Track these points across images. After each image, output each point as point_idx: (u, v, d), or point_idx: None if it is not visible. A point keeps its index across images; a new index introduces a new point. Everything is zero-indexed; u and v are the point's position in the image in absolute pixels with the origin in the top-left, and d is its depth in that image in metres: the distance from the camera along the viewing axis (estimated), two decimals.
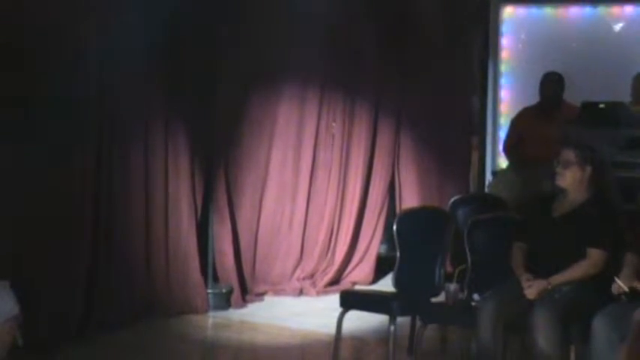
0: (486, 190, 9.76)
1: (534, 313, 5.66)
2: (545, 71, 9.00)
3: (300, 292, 9.35)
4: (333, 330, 6.73)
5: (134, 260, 8.10)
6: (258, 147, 9.23)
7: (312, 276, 9.51)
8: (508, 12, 10.48)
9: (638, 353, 5.29)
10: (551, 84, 8.85)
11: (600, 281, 5.74)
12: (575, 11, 10.26)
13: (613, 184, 6.19)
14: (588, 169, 6.00)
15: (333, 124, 9.68)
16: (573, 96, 8.83)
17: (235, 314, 8.56)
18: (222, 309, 8.60)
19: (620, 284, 5.56)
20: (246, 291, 9.00)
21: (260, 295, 9.13)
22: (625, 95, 8.79)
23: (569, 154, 6.04)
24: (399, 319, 6.45)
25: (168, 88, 8.32)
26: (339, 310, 6.70)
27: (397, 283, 6.80)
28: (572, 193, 6.04)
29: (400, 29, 9.92)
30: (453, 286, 6.32)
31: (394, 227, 6.92)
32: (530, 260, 6.00)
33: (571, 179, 6.02)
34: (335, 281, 9.58)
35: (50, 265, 7.27)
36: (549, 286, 5.80)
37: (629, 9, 10.11)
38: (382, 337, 7.12)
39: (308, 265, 9.53)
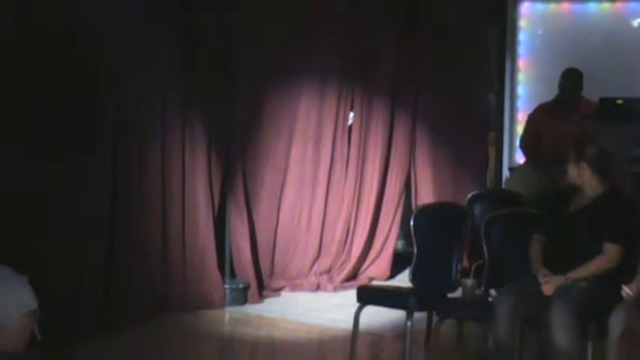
0: (503, 186, 9.76)
1: (551, 309, 5.65)
2: (562, 67, 8.98)
3: (317, 288, 9.36)
4: (350, 325, 6.73)
5: (151, 255, 8.12)
6: (276, 142, 9.24)
7: (329, 271, 9.52)
8: (525, 8, 10.46)
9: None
10: (571, 80, 8.82)
11: (617, 277, 5.73)
12: (592, 7, 10.23)
13: (625, 179, 6.17)
14: (584, 164, 6.00)
15: (351, 114, 9.70)
16: (591, 92, 8.81)
17: (252, 309, 8.57)
18: (239, 304, 8.61)
19: (628, 291, 5.55)
20: (262, 286, 9.01)
21: (277, 291, 9.14)
22: None
23: (569, 152, 6.09)
24: (416, 315, 6.44)
25: (185, 82, 8.34)
26: (356, 305, 6.70)
27: (414, 278, 6.80)
28: (587, 188, 6.04)
29: (417, 25, 9.92)
30: (469, 282, 6.31)
31: (411, 223, 6.91)
32: (547, 255, 6.00)
33: (572, 175, 6.04)
34: (352, 277, 9.59)
35: (68, 261, 7.29)
36: (566, 282, 5.79)
37: None
38: (399, 333, 7.13)
39: (325, 261, 9.54)
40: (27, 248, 6.85)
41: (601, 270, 5.81)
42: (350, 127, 9.74)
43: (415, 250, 6.83)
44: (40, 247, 7.10)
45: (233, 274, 8.79)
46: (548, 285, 5.81)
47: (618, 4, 10.11)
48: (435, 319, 6.51)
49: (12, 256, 5.43)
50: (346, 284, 9.37)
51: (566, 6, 10.34)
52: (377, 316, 7.49)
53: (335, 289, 9.33)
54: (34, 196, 7.09)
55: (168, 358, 7.16)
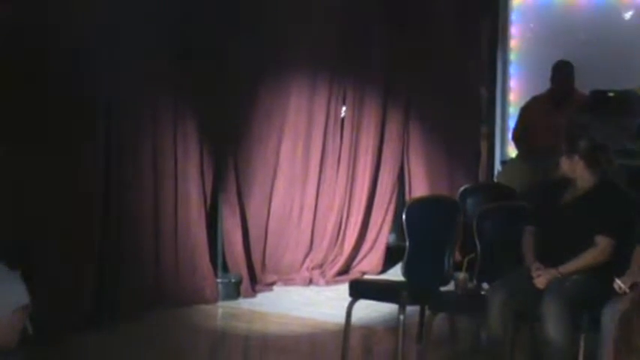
0: (495, 179, 9.76)
1: (544, 302, 5.66)
2: (554, 60, 8.98)
3: (310, 282, 9.35)
4: (342, 319, 6.73)
5: (144, 250, 8.11)
6: (267, 137, 9.23)
7: (321, 266, 9.51)
8: (517, 0, 10.46)
9: (625, 345, 5.29)
10: (564, 73, 8.82)
11: (610, 270, 5.73)
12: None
13: (617, 171, 6.17)
14: (576, 157, 6.01)
15: (343, 108, 9.69)
16: (582, 84, 8.81)
17: (245, 304, 8.57)
18: (232, 299, 8.61)
19: (620, 284, 5.55)
20: (255, 281, 9.01)
21: (269, 285, 9.14)
22: (634, 83, 8.77)
23: (561, 144, 6.10)
24: (409, 309, 6.44)
25: (177, 79, 8.33)
26: (349, 299, 6.70)
27: (406, 272, 6.79)
28: (579, 181, 6.05)
29: (409, 18, 9.92)
30: (462, 275, 6.32)
31: (403, 216, 6.91)
32: (540, 248, 6.00)
33: (564, 168, 6.05)
34: (344, 271, 9.58)
35: (60, 255, 7.29)
36: (559, 275, 5.80)
37: None
38: (391, 326, 7.13)
39: (317, 255, 9.53)
40: (20, 243, 6.85)
41: (593, 263, 5.81)
42: (342, 120, 9.72)
43: (407, 243, 6.82)
44: (33, 242, 7.09)
45: (225, 269, 8.78)
46: (541, 278, 5.82)
47: None
48: (428, 312, 6.52)
49: (4, 251, 5.42)
50: (338, 278, 9.36)
51: None
52: (369, 310, 7.51)
53: (327, 284, 9.32)
54: (27, 192, 7.09)
55: (161, 353, 7.16)
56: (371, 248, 9.79)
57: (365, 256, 9.76)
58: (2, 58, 7.00)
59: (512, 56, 10.48)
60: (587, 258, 5.82)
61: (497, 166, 10.17)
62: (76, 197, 7.50)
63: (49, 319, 6.62)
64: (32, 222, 7.14)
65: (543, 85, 9.00)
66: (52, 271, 7.16)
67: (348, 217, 9.71)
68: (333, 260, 9.57)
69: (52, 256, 7.23)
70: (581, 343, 5.74)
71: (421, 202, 7.62)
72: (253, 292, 8.86)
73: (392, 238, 9.94)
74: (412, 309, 6.64)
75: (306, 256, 9.51)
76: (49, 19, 7.22)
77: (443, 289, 6.59)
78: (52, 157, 7.28)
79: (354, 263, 9.72)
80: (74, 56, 7.39)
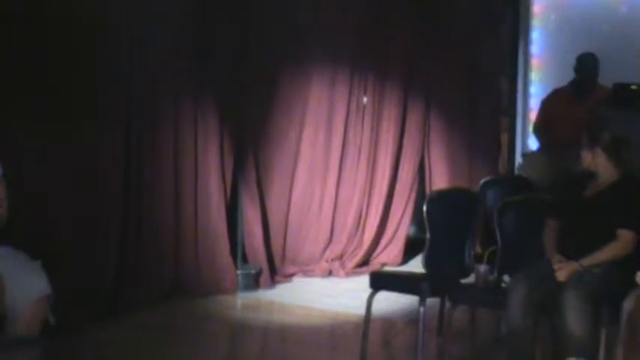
0: (516, 171, 9.74)
1: (565, 295, 5.64)
2: (575, 53, 8.94)
3: (329, 274, 9.36)
4: (362, 311, 6.72)
5: (163, 241, 8.13)
6: (288, 127, 9.23)
7: (341, 257, 9.51)
8: None
9: (631, 342, 5.28)
10: (589, 66, 8.77)
11: (632, 263, 5.71)
12: None
13: (634, 165, 6.14)
14: (598, 150, 5.99)
15: (364, 98, 9.67)
16: (604, 77, 8.77)
17: (264, 295, 8.58)
18: (251, 290, 8.62)
19: None
20: (275, 272, 9.01)
21: (289, 276, 9.14)
22: None
23: (583, 137, 6.08)
24: (429, 301, 6.42)
25: (198, 67, 8.33)
26: (369, 291, 6.68)
27: (427, 264, 6.78)
28: (601, 174, 6.03)
29: (431, 8, 9.89)
30: (482, 268, 6.31)
31: (424, 208, 6.89)
32: (561, 241, 5.98)
33: (586, 161, 6.03)
34: (364, 262, 9.58)
35: (81, 246, 7.32)
36: (580, 268, 5.78)
37: None
38: (411, 319, 7.12)
39: (337, 247, 9.53)
40: (40, 233, 6.88)
41: (615, 256, 5.79)
42: (363, 109, 9.69)
43: (428, 235, 6.81)
44: (53, 232, 7.12)
45: (245, 260, 8.79)
46: (562, 271, 5.80)
47: None
48: (448, 305, 6.50)
49: (25, 241, 5.44)
50: (358, 270, 9.36)
51: None
52: (389, 301, 7.49)
53: (347, 275, 9.32)
54: (46, 180, 7.11)
55: (181, 343, 7.17)
56: (391, 240, 9.79)
57: (385, 248, 9.76)
58: (25, 39, 7.03)
59: (534, 48, 10.45)
60: (609, 251, 5.80)
61: (518, 159, 10.14)
62: (96, 188, 7.52)
63: (70, 310, 6.65)
64: (53, 212, 7.16)
65: (565, 78, 8.95)
66: (73, 261, 7.18)
67: (368, 208, 9.70)
68: (352, 252, 9.57)
69: (72, 246, 7.25)
70: (602, 336, 5.73)
71: (442, 194, 7.60)
72: (273, 283, 8.86)
73: (412, 229, 9.94)
74: (432, 301, 6.62)
75: (326, 247, 9.50)
76: (73, 13, 7.25)
77: (463, 281, 6.58)
78: (73, 148, 7.30)
79: (374, 255, 9.72)
80: (98, 48, 7.41)
